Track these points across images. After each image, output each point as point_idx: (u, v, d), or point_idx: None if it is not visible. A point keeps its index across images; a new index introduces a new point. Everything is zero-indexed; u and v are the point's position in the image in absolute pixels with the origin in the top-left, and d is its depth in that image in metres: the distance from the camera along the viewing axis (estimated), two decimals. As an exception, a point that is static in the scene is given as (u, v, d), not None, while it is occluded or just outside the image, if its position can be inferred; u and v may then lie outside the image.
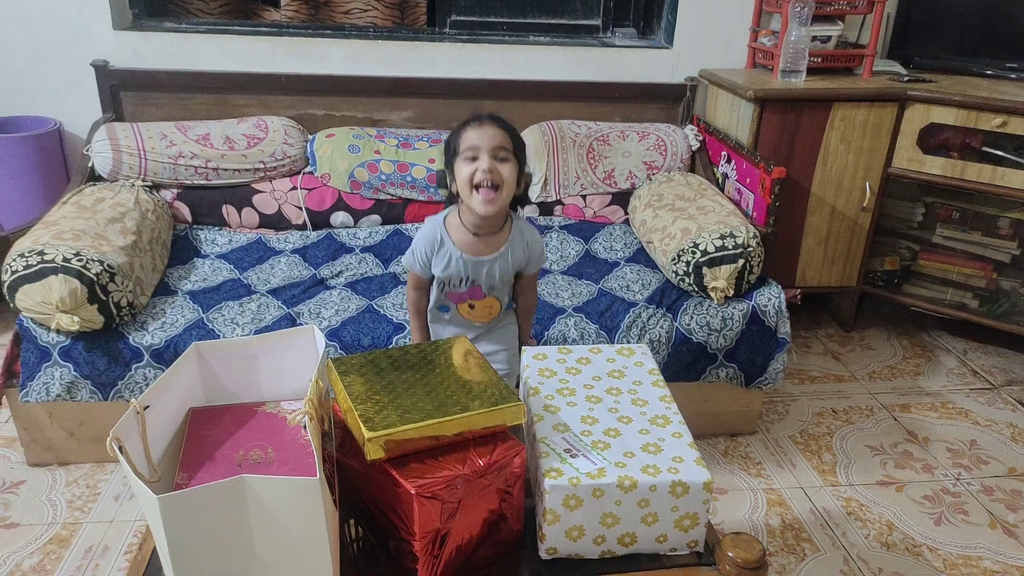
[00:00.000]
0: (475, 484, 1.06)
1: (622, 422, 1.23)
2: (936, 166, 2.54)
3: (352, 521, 1.21)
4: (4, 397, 1.92)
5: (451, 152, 1.53)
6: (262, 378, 1.33)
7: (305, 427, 1.11)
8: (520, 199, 1.60)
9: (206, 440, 1.23)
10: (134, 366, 1.89)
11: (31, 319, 1.87)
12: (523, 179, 1.56)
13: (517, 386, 1.81)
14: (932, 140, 2.56)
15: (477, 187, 1.48)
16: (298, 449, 1.19)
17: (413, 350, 1.25)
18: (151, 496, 0.94)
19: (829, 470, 2.12)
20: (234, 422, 1.28)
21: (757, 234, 2.12)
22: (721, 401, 2.19)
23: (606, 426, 1.22)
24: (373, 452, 1.04)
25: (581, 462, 1.13)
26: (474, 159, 1.47)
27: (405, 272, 1.92)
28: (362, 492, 1.15)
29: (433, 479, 1.03)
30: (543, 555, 1.14)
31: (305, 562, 1.01)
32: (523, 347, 1.56)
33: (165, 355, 1.89)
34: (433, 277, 1.62)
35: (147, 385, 1.90)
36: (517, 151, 1.52)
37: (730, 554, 1.11)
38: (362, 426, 1.04)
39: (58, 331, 1.86)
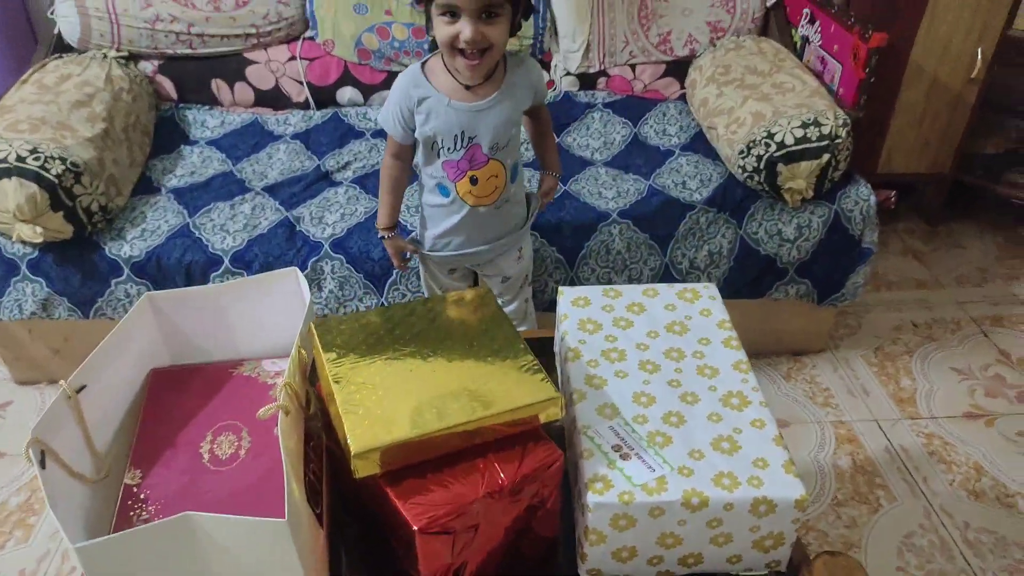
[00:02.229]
0: (498, 504, 0.81)
1: (686, 402, 0.96)
2: (1070, 28, 2.07)
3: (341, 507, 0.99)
4: (-25, 313, 1.71)
5: None
6: (237, 331, 1.08)
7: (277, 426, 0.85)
8: (525, 10, 1.26)
9: (168, 415, 0.99)
10: (113, 282, 1.65)
11: (-10, 228, 1.62)
12: (522, 7, 1.23)
13: (528, 281, 1.57)
14: (1070, -6, 2.07)
15: (460, 51, 1.19)
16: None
17: (420, 308, 0.97)
18: (68, 543, 0.71)
19: (908, 399, 1.85)
20: (203, 389, 1.04)
21: (847, 121, 1.73)
22: (785, 318, 1.90)
23: (666, 408, 0.95)
24: (364, 468, 0.79)
25: (635, 466, 0.87)
26: (454, 18, 1.16)
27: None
28: (356, 486, 0.91)
29: (443, 507, 0.78)
30: (583, 575, 0.91)
31: (281, 601, 0.79)
32: (544, 175, 1.50)
33: (147, 269, 1.65)
34: (415, 145, 1.34)
35: (130, 304, 1.67)
36: (514, 5, 1.19)
37: (822, 582, 0.87)
38: (348, 435, 0.79)
39: (22, 242, 1.61)
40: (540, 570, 0.92)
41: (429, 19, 1.22)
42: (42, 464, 0.81)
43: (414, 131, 1.31)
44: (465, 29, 1.15)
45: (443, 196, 1.37)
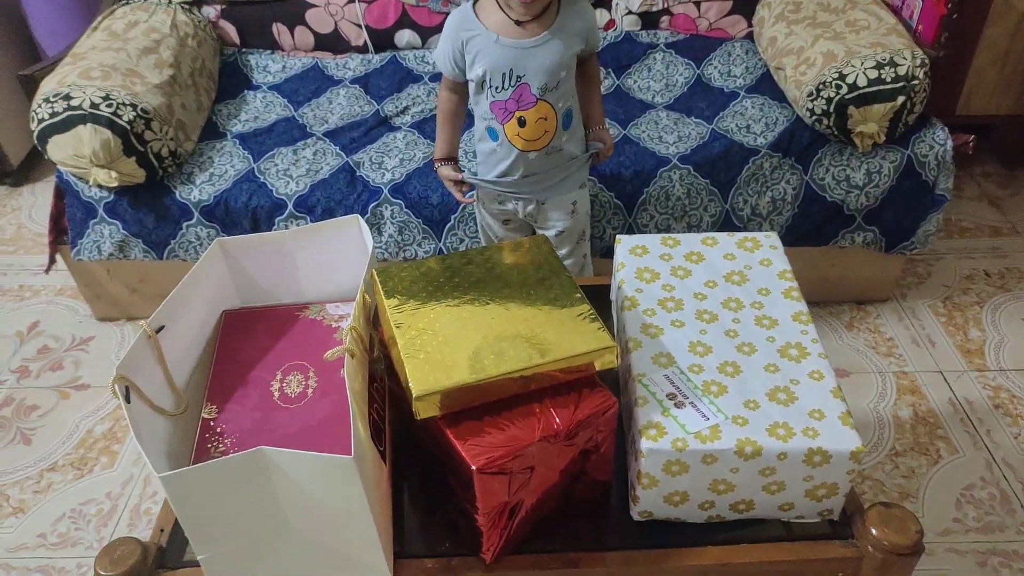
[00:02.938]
0: (553, 447, 0.84)
1: (743, 352, 0.96)
2: None
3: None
4: (59, 254, 1.80)
5: None
6: (301, 276, 1.12)
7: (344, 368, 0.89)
8: None
9: (240, 355, 1.04)
10: (185, 224, 1.72)
11: (69, 172, 1.69)
12: None
13: (585, 237, 1.56)
14: None
15: None
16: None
17: (478, 257, 0.99)
18: (153, 472, 0.76)
19: (976, 350, 1.80)
20: (272, 330, 1.08)
21: (926, 61, 1.65)
22: (850, 266, 1.86)
23: (722, 358, 0.95)
24: (424, 410, 0.82)
25: (688, 414, 0.88)
26: None
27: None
28: (416, 426, 0.95)
29: (500, 448, 0.80)
30: (635, 516, 0.93)
31: (348, 533, 0.84)
32: (592, 131, 1.44)
33: (216, 213, 1.70)
34: (467, 83, 1.33)
35: (200, 246, 1.73)
36: None
37: (874, 532, 0.88)
38: (409, 379, 0.82)
39: (98, 186, 1.68)
40: (593, 511, 0.95)
41: None
42: (127, 399, 0.86)
43: (465, 71, 1.31)
44: None
45: (492, 140, 1.37)
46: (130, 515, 1.51)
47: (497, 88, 1.29)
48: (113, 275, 1.85)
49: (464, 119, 1.43)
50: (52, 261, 1.80)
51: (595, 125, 1.45)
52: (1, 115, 2.38)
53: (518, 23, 1.25)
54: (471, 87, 1.33)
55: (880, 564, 0.88)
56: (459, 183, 1.45)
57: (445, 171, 1.44)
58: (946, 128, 1.71)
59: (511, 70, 1.27)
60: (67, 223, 1.75)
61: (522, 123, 1.32)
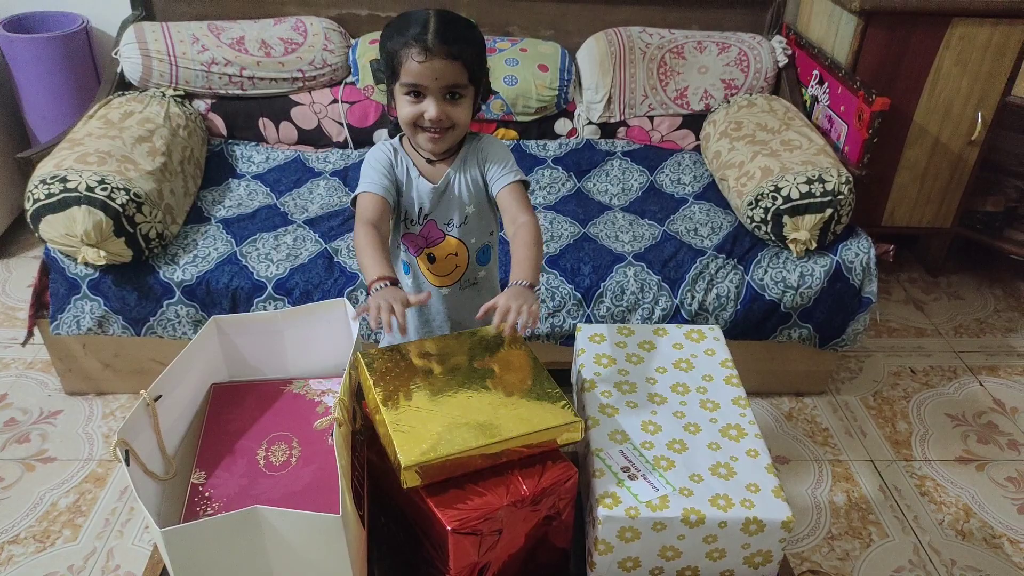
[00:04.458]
0: (520, 512, 0.93)
1: (689, 432, 1.08)
2: (1065, 97, 2.20)
3: (382, 518, 1.11)
4: (36, 328, 1.85)
5: (388, 68, 1.18)
6: (288, 353, 1.21)
7: (331, 436, 0.98)
8: (485, 92, 1.25)
9: (227, 426, 1.12)
10: (166, 303, 1.79)
11: (58, 250, 1.77)
12: (483, 89, 1.23)
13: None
14: (1065, 65, 2.20)
15: (422, 128, 1.19)
16: (325, 444, 1.07)
17: (452, 342, 1.10)
18: (155, 527, 0.83)
19: (903, 441, 1.95)
20: (258, 403, 1.16)
21: (850, 179, 1.86)
22: (789, 360, 2.02)
23: (671, 436, 1.07)
24: (409, 480, 0.91)
25: (641, 486, 0.99)
26: (418, 97, 1.16)
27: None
28: (394, 495, 1.03)
29: (472, 511, 0.90)
30: (591, 582, 1.02)
31: (328, 591, 0.91)
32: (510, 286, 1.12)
33: (197, 292, 1.79)
34: (390, 204, 1.23)
35: (179, 324, 1.81)
36: (474, 75, 1.17)
37: (805, 597, 0.98)
38: (398, 451, 0.91)
39: (85, 264, 1.76)
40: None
41: (391, 97, 1.20)
42: (127, 462, 0.93)
43: (395, 186, 1.25)
44: (430, 108, 1.15)
45: (404, 274, 1.33)
46: (91, 589, 1.52)
47: (411, 222, 1.28)
48: (88, 350, 1.90)
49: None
50: (30, 334, 1.84)
51: (515, 281, 1.12)
52: (-18, 191, 2.45)
53: (430, 161, 1.26)
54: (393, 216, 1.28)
55: (810, 626, 0.98)
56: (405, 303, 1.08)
57: (390, 292, 1.08)
58: (870, 238, 1.92)
59: (420, 208, 1.26)
60: (49, 298, 1.81)
61: (431, 259, 1.30)
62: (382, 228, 1.20)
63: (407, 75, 1.14)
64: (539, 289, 1.33)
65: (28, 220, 1.73)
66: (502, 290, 1.11)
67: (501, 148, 1.28)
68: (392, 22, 1.18)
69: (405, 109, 1.18)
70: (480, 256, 1.33)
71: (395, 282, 1.12)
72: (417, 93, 1.16)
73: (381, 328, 1.08)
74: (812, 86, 2.33)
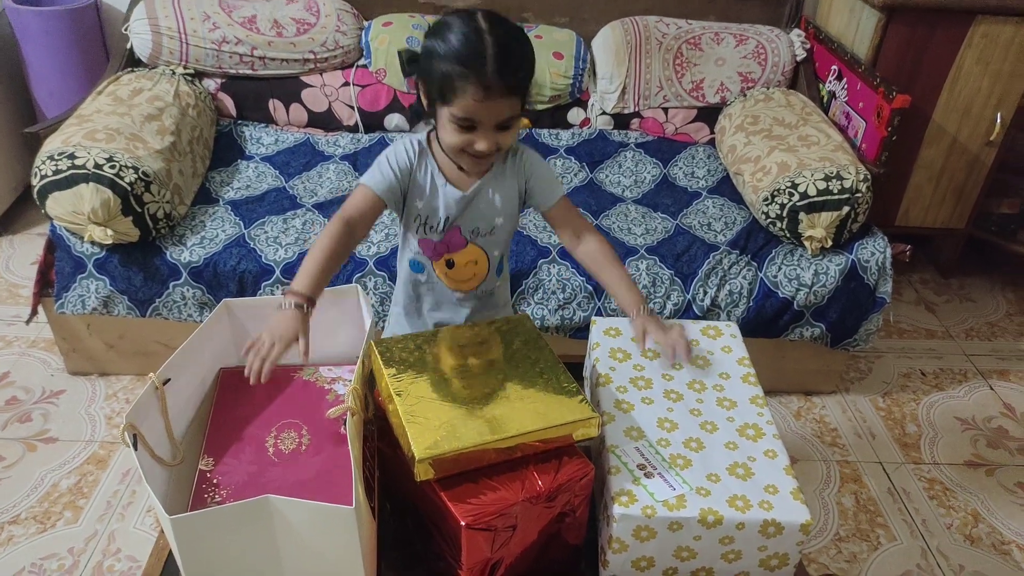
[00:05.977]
0: (534, 508, 0.91)
1: (706, 430, 1.06)
2: (1087, 99, 2.16)
3: (388, 506, 1.09)
4: (40, 305, 1.83)
5: (436, 88, 1.07)
6: (299, 338, 1.19)
7: (345, 425, 0.96)
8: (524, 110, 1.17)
9: (236, 412, 1.10)
10: (172, 284, 1.77)
11: (64, 227, 1.75)
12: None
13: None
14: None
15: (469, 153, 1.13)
16: (335, 433, 1.05)
17: (467, 332, 1.08)
18: (164, 514, 0.81)
19: (912, 444, 1.93)
20: (268, 389, 1.14)
21: (868, 176, 1.84)
22: (799, 358, 1.99)
23: (687, 435, 1.05)
24: (423, 473, 0.89)
25: (657, 485, 0.97)
26: (470, 128, 1.08)
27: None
28: (405, 486, 1.01)
29: (486, 506, 0.88)
30: (604, 580, 1.00)
31: (338, 582, 0.89)
32: (632, 320, 1.18)
33: (204, 274, 1.77)
34: (385, 207, 1.18)
35: (184, 306, 1.78)
36: (525, 99, 1.11)
37: (821, 601, 0.96)
38: (412, 443, 0.89)
39: (92, 242, 1.74)
40: (565, 574, 1.02)
41: (432, 106, 1.11)
42: (135, 446, 0.91)
43: (403, 191, 1.19)
44: (480, 142, 1.08)
45: (417, 272, 1.28)
46: (92, 571, 1.50)
47: (430, 227, 1.22)
48: (93, 330, 1.88)
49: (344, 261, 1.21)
50: (34, 312, 1.82)
51: (630, 309, 1.19)
52: (-13, 166, 2.42)
53: (460, 168, 1.19)
54: (403, 212, 1.23)
55: (826, 631, 0.96)
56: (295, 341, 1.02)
57: (289, 322, 1.02)
58: (886, 237, 1.89)
59: (446, 216, 1.20)
60: (55, 276, 1.79)
61: (450, 265, 1.26)
62: (358, 231, 1.15)
63: (461, 110, 1.06)
64: None
65: (35, 196, 1.71)
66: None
67: (543, 163, 1.25)
68: (442, 31, 1.06)
69: (453, 137, 1.10)
70: (499, 268, 1.31)
71: (311, 304, 1.05)
72: (469, 128, 1.08)
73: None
74: (830, 81, 2.30)
